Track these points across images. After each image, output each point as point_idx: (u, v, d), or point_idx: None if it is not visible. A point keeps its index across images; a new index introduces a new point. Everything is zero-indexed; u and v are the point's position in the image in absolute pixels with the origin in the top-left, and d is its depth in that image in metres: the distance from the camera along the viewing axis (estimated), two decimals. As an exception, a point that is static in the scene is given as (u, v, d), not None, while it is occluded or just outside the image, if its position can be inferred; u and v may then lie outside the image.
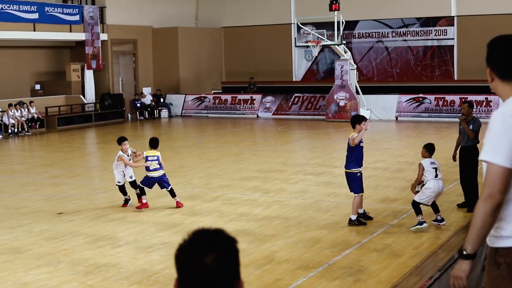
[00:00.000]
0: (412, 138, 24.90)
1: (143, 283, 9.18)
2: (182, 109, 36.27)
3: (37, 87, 34.13)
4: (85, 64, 34.07)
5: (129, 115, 35.22)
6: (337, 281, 9.03)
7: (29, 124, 30.07)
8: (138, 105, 35.19)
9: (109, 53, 35.29)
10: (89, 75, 34.37)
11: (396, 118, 31.19)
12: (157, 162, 13.69)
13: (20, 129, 29.40)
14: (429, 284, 7.53)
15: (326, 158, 20.20)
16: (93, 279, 9.37)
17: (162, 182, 13.77)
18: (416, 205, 11.32)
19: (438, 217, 11.56)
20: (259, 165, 19.05)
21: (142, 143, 26.66)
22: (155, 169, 13.64)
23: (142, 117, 35.10)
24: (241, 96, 35.56)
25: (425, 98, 30.94)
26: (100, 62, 34.37)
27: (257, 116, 34.29)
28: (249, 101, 35.10)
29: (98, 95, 34.67)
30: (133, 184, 13.91)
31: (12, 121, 29.25)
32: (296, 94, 34.09)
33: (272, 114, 34.06)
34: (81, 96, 34.07)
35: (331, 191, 14.91)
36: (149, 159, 13.65)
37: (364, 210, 12.18)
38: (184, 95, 36.60)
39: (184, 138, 28.48)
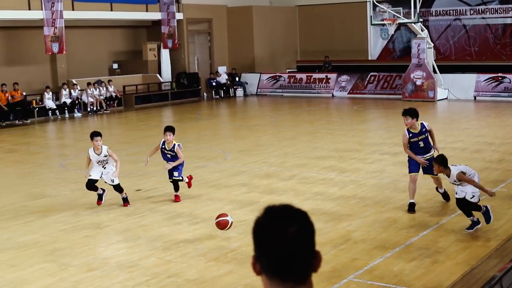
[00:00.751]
0: (491, 118, 24.38)
1: (220, 260, 9.28)
2: (257, 88, 36.34)
3: (115, 66, 34.69)
4: (161, 43, 34.45)
5: (204, 94, 35.48)
6: (414, 262, 8.96)
7: (108, 102, 30.63)
8: (214, 84, 35.42)
9: (184, 32, 35.57)
10: (165, 54, 34.76)
11: (475, 97, 30.55)
12: None
13: (98, 108, 29.98)
14: (509, 266, 7.40)
15: (402, 138, 19.94)
16: (171, 255, 9.52)
17: None
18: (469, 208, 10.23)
19: None
20: (334, 144, 18.98)
21: (217, 122, 26.93)
22: None
23: (217, 96, 35.32)
24: (316, 75, 35.38)
25: (505, 77, 30.20)
26: (176, 41, 34.68)
27: (332, 95, 34.10)
28: (324, 80, 34.92)
29: (174, 74, 35.06)
30: (118, 188, 12.52)
31: (91, 99, 29.84)
32: (372, 73, 33.73)
33: (348, 93, 33.83)
34: (158, 75, 34.49)
35: (408, 171, 14.71)
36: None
37: (444, 189, 11.99)
38: (259, 74, 36.64)
39: (259, 117, 28.56)
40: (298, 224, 2.53)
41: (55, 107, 28.85)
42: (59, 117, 28.61)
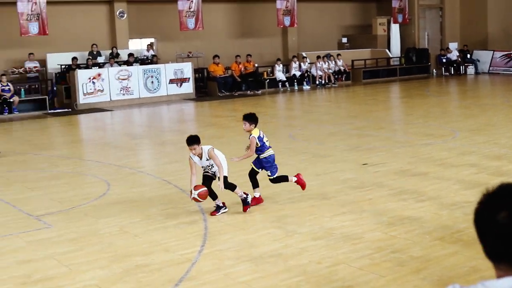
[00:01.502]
0: None
1: (445, 239, 9.10)
2: (490, 66, 35.01)
3: (344, 40, 34.90)
4: (391, 18, 34.13)
5: (434, 70, 34.77)
6: None
7: (336, 76, 30.93)
8: (444, 60, 34.58)
9: (415, 7, 34.99)
10: (395, 29, 34.46)
11: None
12: None
13: (327, 81, 30.35)
14: None
15: None
16: (396, 231, 9.47)
17: None
18: None
19: None
20: None
21: (446, 99, 26.30)
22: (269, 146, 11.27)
23: (447, 73, 34.47)
24: (555, 54, 33.46)
25: None
26: (407, 16, 34.21)
27: None
28: None
29: (403, 49, 34.67)
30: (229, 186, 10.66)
31: (319, 72, 30.28)
32: None
33: None
34: (387, 50, 34.27)
35: None
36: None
37: None
38: (492, 52, 35.26)
39: (491, 96, 27.51)
40: None
41: (285, 79, 29.60)
42: (289, 89, 29.32)
